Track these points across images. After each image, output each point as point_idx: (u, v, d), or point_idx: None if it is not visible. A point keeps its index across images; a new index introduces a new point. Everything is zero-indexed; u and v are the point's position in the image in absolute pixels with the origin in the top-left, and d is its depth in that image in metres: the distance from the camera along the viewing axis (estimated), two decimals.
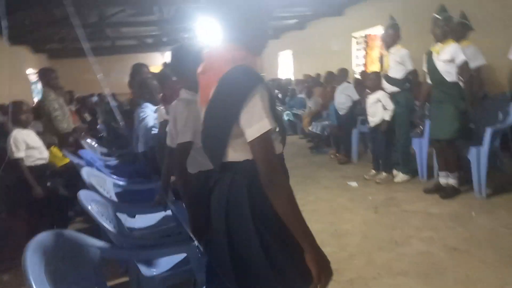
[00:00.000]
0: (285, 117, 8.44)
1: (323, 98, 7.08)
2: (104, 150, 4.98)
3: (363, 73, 7.13)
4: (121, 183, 2.88)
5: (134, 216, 2.68)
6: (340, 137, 5.55)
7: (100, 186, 2.55)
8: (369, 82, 4.43)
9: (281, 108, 9.04)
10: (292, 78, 11.75)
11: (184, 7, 7.66)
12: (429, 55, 3.64)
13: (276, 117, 1.23)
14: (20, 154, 2.78)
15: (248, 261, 1.23)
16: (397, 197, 3.91)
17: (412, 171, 4.37)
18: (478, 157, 3.51)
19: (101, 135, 5.87)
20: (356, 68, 9.20)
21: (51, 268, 1.25)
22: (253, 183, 1.21)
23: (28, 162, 2.86)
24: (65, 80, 13.25)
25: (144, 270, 1.74)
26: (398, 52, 4.11)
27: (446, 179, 3.75)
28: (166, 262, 1.80)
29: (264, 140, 1.12)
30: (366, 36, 8.79)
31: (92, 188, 2.24)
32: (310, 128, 6.66)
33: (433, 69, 3.60)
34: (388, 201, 3.82)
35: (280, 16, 10.06)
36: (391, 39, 4.15)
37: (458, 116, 3.50)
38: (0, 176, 2.44)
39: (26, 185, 2.74)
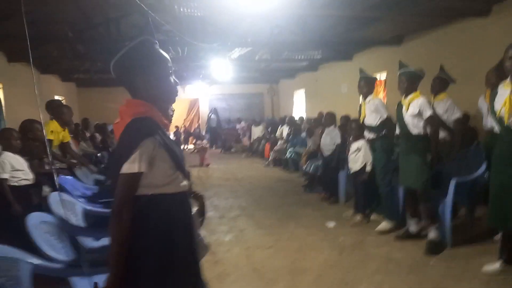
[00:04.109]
0: (288, 155, 8.65)
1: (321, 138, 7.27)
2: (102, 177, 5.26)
3: (344, 118, 7.27)
4: (89, 208, 3.14)
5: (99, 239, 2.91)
6: (326, 178, 5.68)
7: (70, 210, 2.82)
8: (350, 131, 4.63)
9: (285, 145, 9.29)
10: (305, 116, 12.07)
11: (196, 46, 8.20)
12: (399, 107, 3.81)
13: (175, 158, 1.49)
14: (4, 175, 3.13)
15: None
16: (367, 240, 3.98)
17: (396, 218, 4.19)
18: (444, 207, 3.57)
19: (101, 163, 6.23)
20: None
21: None
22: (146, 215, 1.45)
23: (13, 183, 3.21)
24: (90, 107, 14.07)
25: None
26: (372, 101, 4.32)
27: (415, 226, 3.81)
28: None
29: (126, 178, 1.39)
30: None
31: (55, 211, 2.51)
32: (304, 167, 6.82)
33: (401, 121, 3.76)
34: (357, 244, 3.90)
35: (294, 58, 10.56)
36: (365, 90, 4.38)
37: (424, 168, 3.59)
38: None
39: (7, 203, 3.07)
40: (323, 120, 5.78)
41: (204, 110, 16.21)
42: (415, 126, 3.64)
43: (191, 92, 15.55)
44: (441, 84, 4.28)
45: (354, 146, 4.57)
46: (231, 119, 15.34)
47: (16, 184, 3.21)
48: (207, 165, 10.17)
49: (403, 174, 3.87)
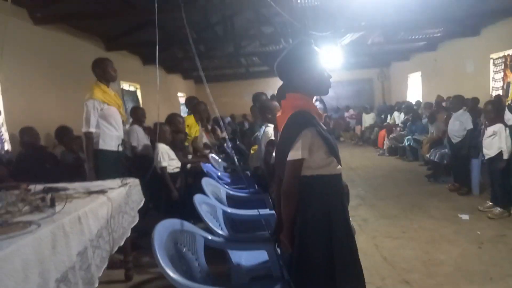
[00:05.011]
0: (406, 142, 8.22)
1: (446, 124, 6.75)
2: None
3: (472, 101, 6.59)
4: (231, 192, 3.48)
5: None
6: (455, 167, 5.27)
7: (215, 193, 3.19)
8: (486, 114, 4.23)
9: (402, 132, 8.84)
10: (422, 100, 11.26)
11: (306, 38, 8.29)
12: None
13: (330, 145, 1.68)
14: (164, 163, 3.67)
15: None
16: (510, 234, 3.64)
17: None
18: None
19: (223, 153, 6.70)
20: (494, 92, 8.39)
21: (170, 247, 1.83)
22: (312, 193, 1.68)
23: (168, 170, 3.73)
24: (206, 102, 15.21)
25: (234, 259, 2.26)
26: None
27: None
28: (251, 258, 2.29)
29: (292, 163, 1.64)
30: (505, 57, 7.99)
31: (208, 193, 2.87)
32: (428, 155, 6.42)
33: None
34: (498, 238, 3.59)
35: (410, 38, 9.91)
36: None
37: None
38: (147, 181, 3.26)
39: (166, 188, 3.60)
40: (450, 104, 5.35)
41: None
42: None
43: None
44: None
45: (490, 130, 4.18)
46: (339, 107, 15.04)
47: (171, 172, 3.75)
48: None
49: None
